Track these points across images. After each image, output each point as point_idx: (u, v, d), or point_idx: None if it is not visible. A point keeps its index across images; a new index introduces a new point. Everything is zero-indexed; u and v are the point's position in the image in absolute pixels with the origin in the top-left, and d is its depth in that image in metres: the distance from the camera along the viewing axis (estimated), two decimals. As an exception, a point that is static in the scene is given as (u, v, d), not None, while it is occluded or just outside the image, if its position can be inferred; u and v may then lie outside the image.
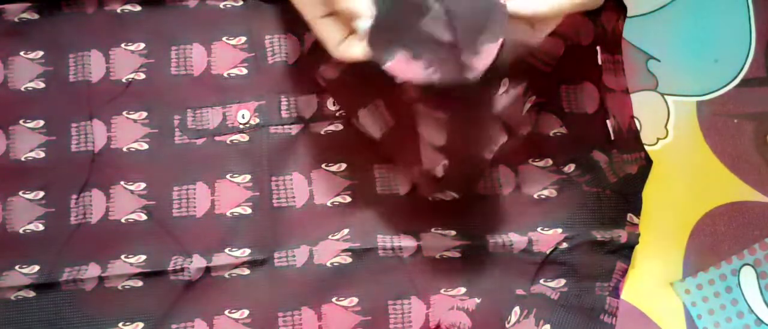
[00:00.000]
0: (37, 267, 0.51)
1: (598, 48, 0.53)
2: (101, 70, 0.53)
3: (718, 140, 0.53)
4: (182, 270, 0.50)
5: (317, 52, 0.45)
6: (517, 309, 0.50)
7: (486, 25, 0.38)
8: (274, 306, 0.50)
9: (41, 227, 0.51)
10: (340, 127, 0.52)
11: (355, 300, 0.51)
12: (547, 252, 0.50)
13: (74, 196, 0.52)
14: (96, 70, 0.53)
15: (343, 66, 0.44)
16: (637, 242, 0.51)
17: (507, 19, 0.39)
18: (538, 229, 0.51)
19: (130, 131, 0.52)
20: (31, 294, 0.50)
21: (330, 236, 0.51)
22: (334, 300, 0.51)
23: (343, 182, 0.52)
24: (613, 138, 0.52)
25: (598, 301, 0.50)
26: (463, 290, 0.51)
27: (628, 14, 0.52)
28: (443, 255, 0.51)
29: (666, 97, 0.54)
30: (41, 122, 0.52)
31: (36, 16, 0.53)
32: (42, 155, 0.52)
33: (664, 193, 0.53)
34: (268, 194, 0.51)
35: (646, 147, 0.52)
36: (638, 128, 0.53)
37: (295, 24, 0.53)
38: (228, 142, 0.52)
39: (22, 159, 0.52)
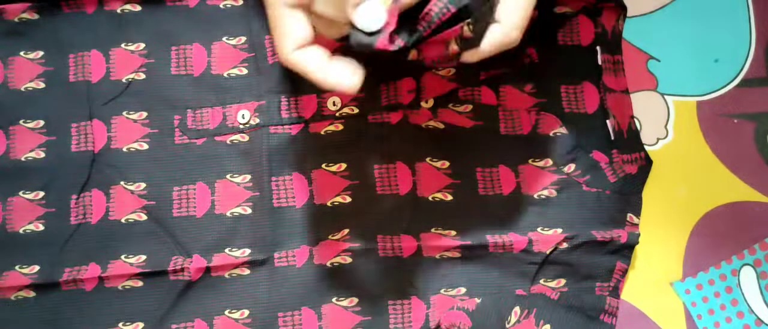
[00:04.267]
0: (37, 267, 0.51)
1: (598, 48, 0.53)
2: (101, 70, 0.53)
3: (718, 140, 0.53)
4: (182, 270, 0.50)
5: None
6: (517, 309, 0.50)
7: None
8: (274, 306, 0.50)
9: (41, 227, 0.51)
10: (340, 127, 0.52)
11: (355, 300, 0.51)
12: (547, 252, 0.51)
13: (74, 196, 0.52)
14: (96, 70, 0.53)
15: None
16: (637, 242, 0.51)
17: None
18: (538, 229, 0.51)
19: (130, 131, 0.52)
20: (31, 294, 0.50)
21: (330, 237, 0.51)
22: (334, 300, 0.51)
23: (343, 182, 0.52)
24: (613, 138, 0.52)
25: (598, 301, 0.50)
26: (463, 290, 0.51)
27: (628, 14, 0.53)
28: (443, 255, 0.51)
29: (666, 97, 0.54)
30: (41, 122, 0.52)
31: (36, 16, 0.53)
32: (42, 155, 0.52)
33: (664, 193, 0.53)
34: (268, 194, 0.51)
35: (646, 147, 0.52)
36: (638, 128, 0.53)
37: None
38: (228, 142, 0.52)
39: (22, 159, 0.52)
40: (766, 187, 0.53)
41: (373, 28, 0.37)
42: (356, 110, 0.52)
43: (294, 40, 0.39)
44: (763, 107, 0.53)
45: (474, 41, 0.40)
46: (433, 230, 0.51)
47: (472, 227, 0.51)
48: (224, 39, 0.53)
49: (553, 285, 0.51)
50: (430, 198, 0.52)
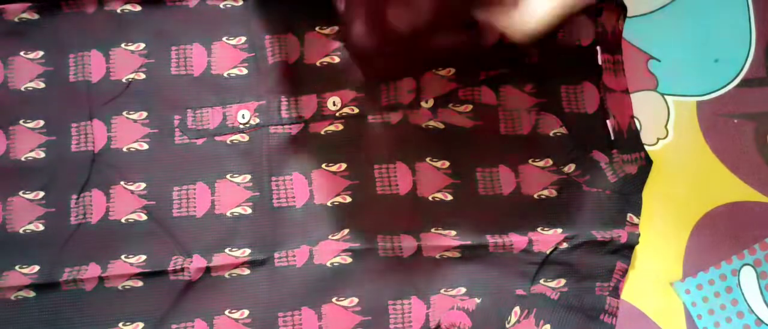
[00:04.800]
0: (37, 267, 0.51)
1: (598, 48, 0.53)
2: (101, 70, 0.53)
3: (718, 140, 0.53)
4: (182, 270, 0.50)
5: None
6: (517, 309, 0.50)
7: None
8: (274, 306, 0.50)
9: (41, 227, 0.51)
10: (340, 127, 0.52)
11: (355, 300, 0.51)
12: (547, 252, 0.50)
13: (74, 196, 0.52)
14: (96, 70, 0.53)
15: None
16: (637, 242, 0.51)
17: None
18: (538, 229, 0.51)
19: (130, 131, 0.52)
20: (31, 294, 0.50)
21: (330, 236, 0.51)
22: (334, 300, 0.51)
23: (343, 182, 0.52)
24: (613, 138, 0.52)
25: (598, 301, 0.50)
26: (463, 290, 0.51)
27: (628, 14, 0.53)
28: (443, 255, 0.51)
29: (666, 97, 0.54)
30: (41, 122, 0.52)
31: (36, 16, 0.53)
32: (42, 155, 0.52)
33: (664, 193, 0.53)
34: (268, 194, 0.51)
35: (646, 147, 0.52)
36: (638, 128, 0.53)
37: (295, 24, 0.53)
38: (228, 142, 0.52)
39: (22, 159, 0.52)
40: (766, 187, 0.53)
41: None
42: (356, 110, 0.52)
43: None
44: (763, 107, 0.53)
45: None
46: (433, 230, 0.51)
47: (472, 227, 0.51)
48: (224, 39, 0.53)
49: (553, 285, 0.51)
50: (430, 198, 0.52)
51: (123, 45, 0.53)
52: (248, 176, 0.52)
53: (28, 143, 0.52)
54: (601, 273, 0.50)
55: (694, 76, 0.54)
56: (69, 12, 0.53)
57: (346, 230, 0.51)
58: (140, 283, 0.51)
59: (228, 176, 0.52)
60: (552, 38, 0.53)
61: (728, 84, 0.54)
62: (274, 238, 0.51)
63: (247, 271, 0.51)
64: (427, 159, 0.52)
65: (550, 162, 0.52)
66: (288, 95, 0.52)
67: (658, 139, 0.54)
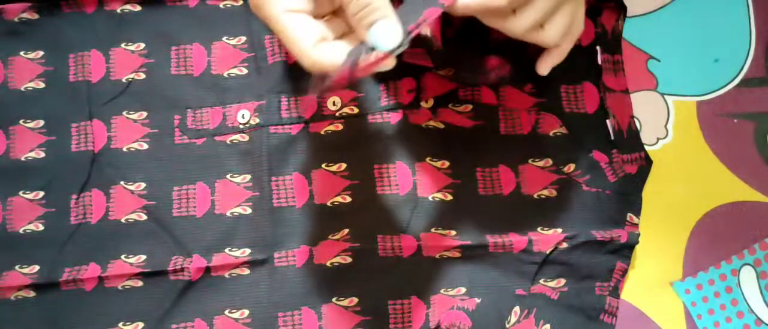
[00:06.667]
0: (37, 267, 0.51)
1: (598, 48, 0.53)
2: (101, 70, 0.53)
3: (718, 140, 0.53)
4: (182, 269, 0.50)
5: None
6: (517, 309, 0.50)
7: None
8: (274, 306, 0.50)
9: (41, 227, 0.51)
10: (340, 127, 0.52)
11: (355, 300, 0.51)
12: (547, 252, 0.51)
13: (74, 196, 0.52)
14: (96, 70, 0.53)
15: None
16: (637, 242, 0.51)
17: None
18: (538, 229, 0.51)
19: (130, 131, 0.52)
20: (31, 294, 0.51)
21: (330, 236, 0.51)
22: (334, 300, 0.51)
23: (343, 182, 0.52)
24: (613, 138, 0.52)
25: (598, 301, 0.50)
26: (463, 290, 0.51)
27: (628, 14, 0.53)
28: (443, 254, 0.51)
29: (666, 97, 0.54)
30: (41, 122, 0.52)
31: (36, 16, 0.53)
32: (42, 155, 0.52)
33: (664, 193, 0.53)
34: (268, 194, 0.51)
35: (646, 147, 0.52)
36: (638, 128, 0.53)
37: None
38: (228, 142, 0.52)
39: (22, 159, 0.52)
40: (766, 187, 0.53)
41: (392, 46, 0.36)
42: (356, 110, 0.52)
43: (310, 41, 0.37)
44: (763, 107, 0.53)
45: None
46: (433, 230, 0.51)
47: (472, 227, 0.51)
48: (224, 39, 0.53)
49: (553, 285, 0.51)
50: (430, 198, 0.52)
51: (123, 45, 0.53)
52: (248, 176, 0.52)
53: (28, 143, 0.52)
54: (601, 272, 0.51)
55: (694, 77, 0.54)
56: (69, 12, 0.53)
57: (346, 230, 0.51)
58: (140, 283, 0.51)
59: (228, 176, 0.52)
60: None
61: (728, 84, 0.54)
62: (274, 238, 0.51)
63: (247, 271, 0.51)
64: (427, 159, 0.52)
65: (550, 162, 0.52)
66: (288, 95, 0.52)
67: (658, 139, 0.54)
